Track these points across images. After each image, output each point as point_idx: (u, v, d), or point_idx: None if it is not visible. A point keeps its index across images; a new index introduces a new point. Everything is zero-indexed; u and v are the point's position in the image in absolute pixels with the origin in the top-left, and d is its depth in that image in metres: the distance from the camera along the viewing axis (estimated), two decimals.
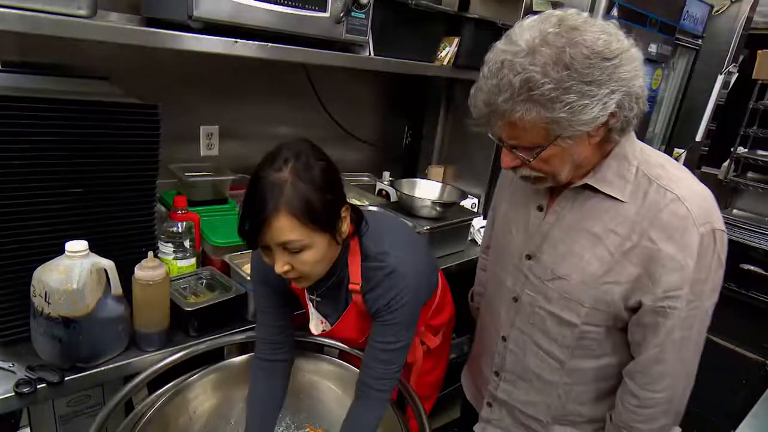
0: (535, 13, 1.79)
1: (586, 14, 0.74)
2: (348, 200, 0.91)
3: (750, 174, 3.79)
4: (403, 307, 0.94)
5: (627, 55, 0.72)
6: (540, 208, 0.92)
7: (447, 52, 1.67)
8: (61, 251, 0.95)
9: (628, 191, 0.82)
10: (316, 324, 1.09)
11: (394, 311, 0.94)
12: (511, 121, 0.74)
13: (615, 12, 1.73)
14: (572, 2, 1.73)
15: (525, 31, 0.72)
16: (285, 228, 0.80)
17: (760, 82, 3.43)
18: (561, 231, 0.88)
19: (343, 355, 1.18)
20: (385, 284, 0.93)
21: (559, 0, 1.74)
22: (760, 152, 3.65)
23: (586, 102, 0.69)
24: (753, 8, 2.68)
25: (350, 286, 0.97)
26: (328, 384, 1.17)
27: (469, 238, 1.87)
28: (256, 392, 1.07)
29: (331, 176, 0.84)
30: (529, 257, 0.93)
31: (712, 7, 2.61)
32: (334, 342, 1.14)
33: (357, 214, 0.95)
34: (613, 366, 0.91)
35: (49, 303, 0.91)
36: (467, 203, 2.04)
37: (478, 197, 2.14)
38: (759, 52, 3.37)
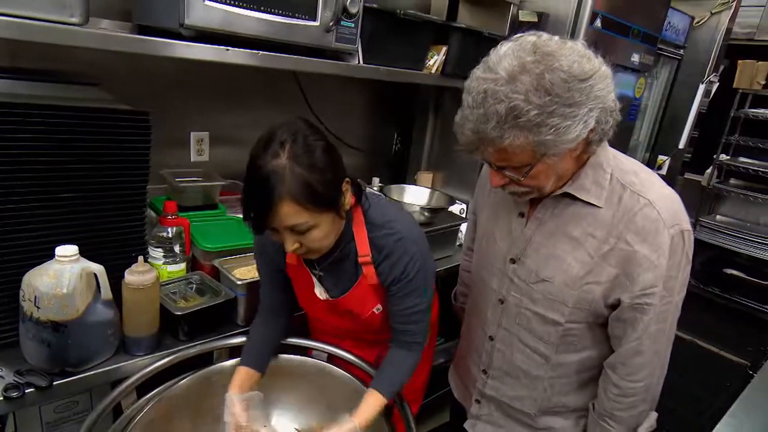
0: (522, 24, 1.85)
1: (556, 38, 0.78)
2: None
3: (732, 180, 3.89)
4: (419, 272, 0.98)
5: (599, 74, 0.76)
6: (521, 215, 0.97)
7: (435, 60, 1.70)
8: (51, 256, 0.95)
9: (604, 197, 0.87)
10: (320, 291, 1.08)
11: (412, 278, 0.98)
12: (500, 147, 0.77)
13: (599, 23, 1.77)
14: (558, 13, 1.78)
15: (503, 59, 0.75)
16: (290, 213, 0.82)
17: (740, 91, 3.53)
18: (542, 236, 0.93)
19: (332, 358, 1.19)
20: (398, 251, 0.97)
21: (543, 11, 1.79)
22: (742, 159, 3.75)
23: (569, 123, 0.74)
24: (732, 19, 2.76)
25: (360, 259, 0.99)
26: (310, 384, 1.17)
27: (458, 243, 1.90)
28: (255, 333, 1.11)
29: (329, 155, 0.85)
30: (513, 261, 0.97)
31: (693, 18, 2.68)
32: (323, 345, 1.16)
33: (357, 186, 0.97)
34: (593, 358, 0.96)
35: (38, 307, 0.92)
36: (455, 209, 2.07)
37: (466, 203, 2.17)
38: (739, 62, 3.47)
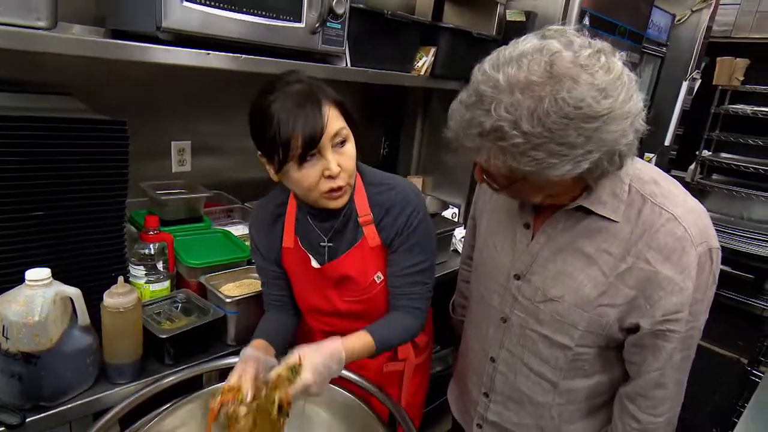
0: (509, 23, 1.81)
1: (586, 54, 0.63)
2: None
3: (715, 176, 3.94)
4: (421, 223, 0.98)
5: (615, 114, 0.63)
6: (527, 226, 0.88)
7: (424, 62, 1.65)
8: (20, 281, 0.87)
9: (622, 211, 0.78)
10: (316, 263, 1.04)
11: (414, 229, 0.97)
12: (476, 155, 0.69)
13: (587, 20, 1.75)
14: (546, 12, 1.75)
15: (512, 61, 0.65)
16: (335, 117, 0.86)
17: (720, 87, 3.58)
18: (551, 251, 0.85)
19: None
20: (399, 202, 0.97)
21: (532, 10, 1.76)
22: (724, 155, 3.80)
23: (556, 161, 0.64)
24: (712, 18, 2.78)
25: (360, 219, 0.98)
26: (317, 409, 1.11)
27: (452, 249, 1.85)
28: (265, 321, 1.08)
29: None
30: (518, 277, 0.89)
31: (674, 16, 2.70)
32: None
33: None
34: (604, 383, 0.89)
35: (6, 338, 0.84)
36: (447, 213, 2.03)
37: (458, 206, 2.13)
38: (718, 59, 3.52)
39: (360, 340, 0.93)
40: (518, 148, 0.64)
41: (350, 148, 0.90)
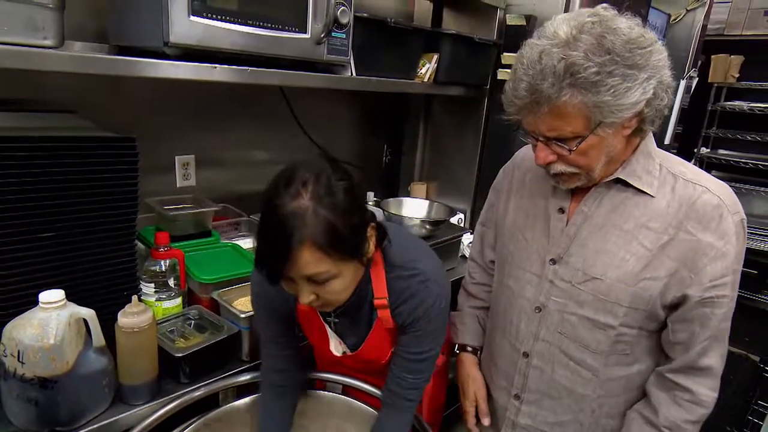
0: (510, 27, 1.82)
1: (614, 11, 0.75)
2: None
3: (714, 172, 3.95)
4: (441, 314, 0.91)
5: (657, 46, 0.74)
6: (561, 211, 0.90)
7: (427, 68, 1.65)
8: (34, 303, 0.86)
9: (656, 186, 0.82)
10: (336, 345, 1.00)
11: (431, 320, 0.89)
12: (555, 107, 0.73)
13: None
14: (546, 15, 1.76)
15: (560, 24, 0.73)
16: (311, 261, 0.72)
17: (716, 85, 3.61)
18: (589, 230, 0.86)
19: (346, 389, 1.12)
20: (421, 293, 0.88)
21: (532, 14, 1.76)
22: (722, 151, 3.81)
23: (629, 85, 0.71)
24: (707, 16, 2.80)
25: (376, 302, 0.90)
26: (339, 422, 1.09)
27: (460, 255, 1.84)
28: (267, 410, 1.02)
29: (354, 196, 0.77)
30: (554, 262, 0.89)
31: (669, 15, 2.72)
32: (337, 377, 1.08)
33: (380, 230, 0.87)
34: (641, 373, 0.90)
35: (22, 363, 0.82)
36: (453, 219, 2.02)
37: (464, 212, 2.13)
38: (713, 56, 3.54)
39: None
40: (594, 78, 0.70)
41: (336, 284, 0.77)
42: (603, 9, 0.75)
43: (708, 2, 2.71)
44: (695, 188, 0.81)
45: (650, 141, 0.85)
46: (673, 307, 0.82)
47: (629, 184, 0.83)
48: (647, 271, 0.81)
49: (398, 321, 0.91)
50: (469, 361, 1.12)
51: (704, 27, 2.82)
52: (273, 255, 0.73)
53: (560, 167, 0.81)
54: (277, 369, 1.00)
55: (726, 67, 3.50)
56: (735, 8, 3.55)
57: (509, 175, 1.06)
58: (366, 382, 1.06)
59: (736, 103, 3.57)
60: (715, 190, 0.80)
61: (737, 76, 3.54)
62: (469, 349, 1.13)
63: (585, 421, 0.92)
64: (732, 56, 3.48)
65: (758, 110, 3.42)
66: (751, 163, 3.50)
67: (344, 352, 1.00)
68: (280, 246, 0.71)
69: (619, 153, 0.81)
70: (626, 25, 0.72)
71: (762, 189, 3.53)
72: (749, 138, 3.50)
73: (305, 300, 0.78)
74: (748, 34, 3.51)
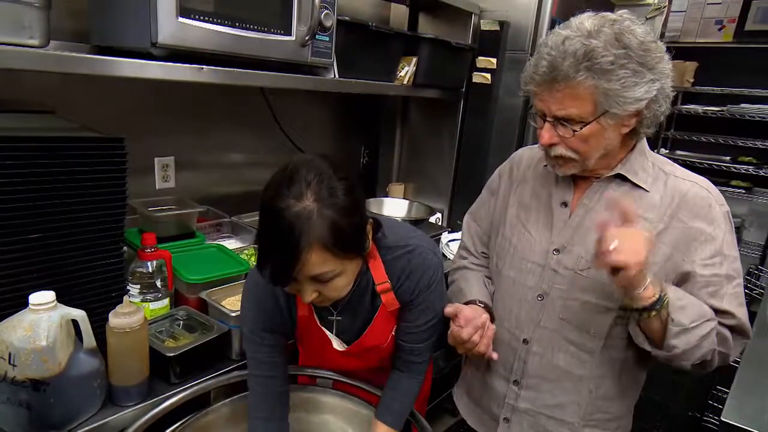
0: (485, 32, 1.88)
1: (634, 17, 0.84)
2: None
3: None
4: (440, 281, 0.97)
5: (665, 56, 0.83)
6: (565, 204, 0.96)
7: (406, 71, 1.70)
8: (21, 305, 0.85)
9: (650, 182, 0.91)
10: (338, 344, 1.02)
11: (434, 289, 0.95)
12: (569, 87, 0.80)
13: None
14: (518, 21, 1.83)
15: (586, 19, 0.82)
16: (317, 262, 0.74)
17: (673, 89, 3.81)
18: (592, 221, 0.92)
19: (335, 385, 1.14)
20: (421, 266, 0.94)
21: (506, 20, 1.84)
22: (679, 152, 4.02)
23: (636, 80, 0.79)
24: (664, 24, 2.98)
25: (378, 288, 0.94)
26: (340, 424, 1.11)
27: (442, 254, 1.89)
28: (258, 399, 0.99)
29: (355, 196, 0.78)
30: (557, 251, 0.95)
31: None
32: (328, 373, 1.10)
33: (376, 225, 0.90)
34: (637, 356, 0.95)
35: (13, 365, 0.81)
36: (432, 219, 2.07)
37: (441, 212, 2.18)
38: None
39: None
40: (608, 66, 0.78)
41: (339, 281, 0.80)
42: (626, 14, 0.84)
43: (666, 11, 2.88)
44: (685, 183, 0.90)
45: (644, 142, 0.93)
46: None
47: (627, 179, 0.91)
48: None
49: (402, 300, 0.95)
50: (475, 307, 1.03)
51: (662, 34, 3.00)
52: (280, 258, 0.74)
53: (560, 150, 0.88)
54: (263, 374, 0.99)
55: (682, 73, 3.70)
56: (689, 18, 3.77)
57: (506, 173, 1.11)
58: (369, 383, 1.08)
59: (692, 106, 3.79)
60: (703, 184, 0.90)
61: (692, 80, 3.76)
62: (478, 303, 1.03)
63: (582, 401, 0.97)
64: (687, 62, 3.69)
65: (711, 113, 3.64)
66: (706, 164, 3.71)
67: (347, 348, 1.02)
68: (288, 249, 0.72)
69: (614, 149, 0.89)
70: (643, 30, 0.81)
71: (718, 188, 3.76)
72: (704, 140, 3.72)
73: (308, 299, 0.79)
74: (701, 41, 3.73)
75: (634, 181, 0.90)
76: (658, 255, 0.87)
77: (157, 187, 1.61)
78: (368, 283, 0.94)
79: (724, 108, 3.56)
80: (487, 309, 1.02)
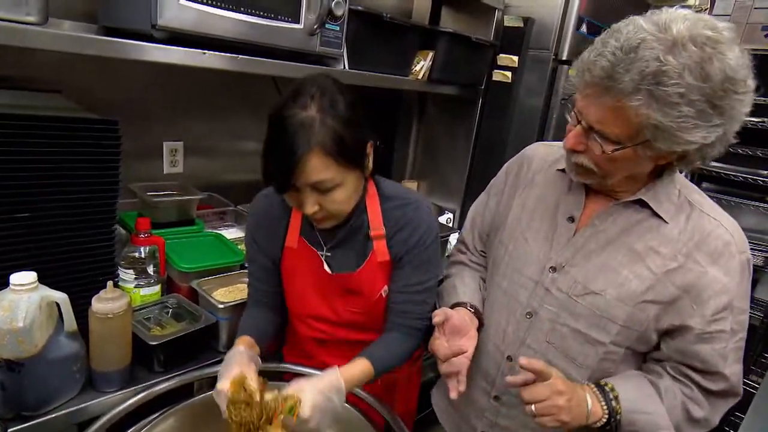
0: (508, 28, 1.81)
1: (734, 35, 0.67)
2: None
3: (705, 184, 3.96)
4: (434, 241, 0.96)
5: (750, 96, 0.68)
6: (571, 219, 0.88)
7: (422, 66, 1.64)
8: (4, 284, 0.84)
9: (672, 212, 0.82)
10: (328, 267, 1.00)
11: (427, 247, 0.95)
12: (618, 104, 0.68)
13: (584, 28, 1.76)
14: (543, 18, 1.75)
15: (676, 19, 0.66)
16: (318, 167, 0.78)
17: None
18: (598, 244, 0.85)
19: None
20: (414, 219, 0.95)
21: (530, 16, 1.76)
22: (714, 163, 3.83)
23: (698, 122, 0.66)
24: None
25: (372, 233, 0.94)
26: None
27: (447, 255, 1.84)
28: (253, 318, 1.03)
29: (357, 110, 0.83)
30: (554, 269, 0.88)
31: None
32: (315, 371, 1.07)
33: (377, 152, 0.92)
34: None
35: None
36: (442, 219, 2.02)
37: (453, 212, 2.12)
38: None
39: (358, 368, 0.90)
40: (674, 98, 0.64)
41: (339, 193, 0.83)
42: (727, 30, 0.67)
43: (708, 10, 2.72)
44: (710, 221, 0.80)
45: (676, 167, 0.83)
46: (668, 333, 0.82)
47: (647, 205, 0.82)
48: (650, 293, 0.80)
49: (394, 251, 0.95)
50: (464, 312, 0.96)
51: None
52: (283, 162, 0.78)
53: (583, 159, 0.78)
54: (261, 300, 1.05)
55: None
56: (733, 22, 3.58)
57: (514, 171, 1.02)
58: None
59: None
60: (728, 226, 0.81)
61: None
62: (469, 307, 0.98)
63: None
64: None
65: (750, 124, 3.45)
66: (741, 177, 3.52)
67: (340, 273, 0.99)
68: (291, 153, 0.76)
69: (641, 175, 0.80)
70: (737, 61, 0.65)
71: (751, 203, 3.56)
72: (741, 152, 3.53)
73: (309, 210, 0.82)
74: (745, 48, 3.53)
75: (656, 210, 0.81)
76: (663, 295, 0.80)
77: (165, 172, 1.60)
78: (362, 224, 0.95)
79: (765, 119, 3.37)
80: (477, 315, 0.96)
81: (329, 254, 0.98)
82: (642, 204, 0.82)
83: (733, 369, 0.81)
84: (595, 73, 0.70)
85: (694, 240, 0.80)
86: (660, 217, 0.81)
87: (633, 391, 0.82)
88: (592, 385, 0.83)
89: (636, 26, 0.68)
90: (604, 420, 0.80)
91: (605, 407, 0.80)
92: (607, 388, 0.82)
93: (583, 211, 0.88)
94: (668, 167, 0.80)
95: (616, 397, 0.81)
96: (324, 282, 1.00)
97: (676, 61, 0.64)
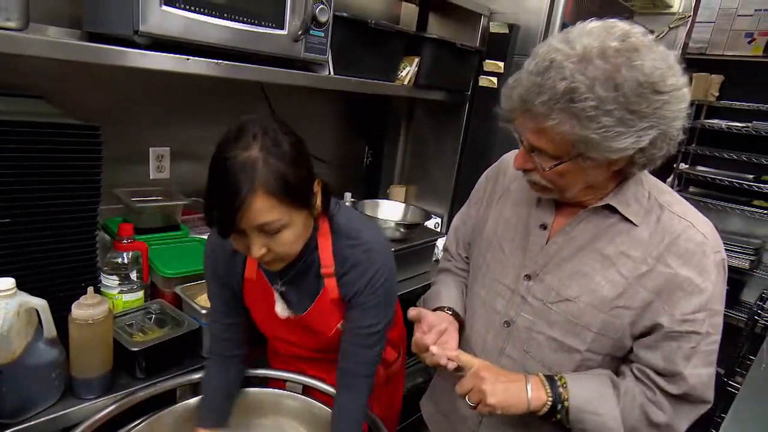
0: (493, 35, 1.83)
1: (651, 37, 0.69)
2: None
3: (692, 188, 4.01)
4: (383, 285, 0.92)
5: (678, 93, 0.68)
6: (543, 227, 0.88)
7: (407, 71, 1.66)
8: None
9: (642, 215, 0.81)
10: (282, 308, 0.99)
11: (375, 290, 0.91)
12: (540, 127, 0.70)
13: None
14: (529, 24, 1.78)
15: (585, 35, 0.68)
16: (263, 209, 0.75)
17: (696, 102, 3.68)
18: (570, 251, 0.84)
19: (306, 390, 1.10)
20: (363, 263, 0.90)
21: (515, 23, 1.78)
22: (700, 168, 3.88)
23: (622, 130, 0.67)
24: (688, 34, 2.87)
25: (322, 270, 0.92)
26: (294, 424, 1.08)
27: (434, 259, 1.85)
28: (210, 381, 1.01)
29: (301, 150, 0.81)
30: (528, 278, 0.88)
31: (652, 32, 2.77)
32: (299, 377, 1.07)
33: (326, 190, 0.89)
34: None
35: None
36: (430, 223, 2.03)
37: (441, 217, 2.13)
38: (693, 74, 3.61)
39: None
40: (590, 112, 0.66)
41: (287, 235, 0.80)
42: (641, 34, 0.68)
43: (690, 21, 2.77)
44: (680, 222, 0.79)
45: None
46: (641, 335, 0.81)
47: (617, 210, 0.81)
48: (621, 299, 0.80)
49: (343, 292, 0.92)
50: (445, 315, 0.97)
51: (685, 45, 2.89)
52: (226, 205, 0.75)
53: (535, 177, 0.79)
54: (221, 336, 1.01)
55: (706, 86, 3.57)
56: (718, 28, 3.63)
57: (492, 179, 1.03)
58: (325, 382, 1.05)
59: (715, 121, 3.64)
60: (700, 226, 0.79)
61: (717, 95, 3.62)
62: (447, 310, 0.99)
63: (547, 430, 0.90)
64: (712, 75, 3.56)
65: (735, 129, 3.50)
66: (728, 181, 3.57)
67: (289, 315, 0.99)
68: (233, 195, 0.73)
69: (601, 183, 0.79)
70: (652, 64, 0.65)
71: (737, 207, 3.60)
72: (726, 156, 3.57)
73: (257, 253, 0.79)
74: (729, 54, 3.58)
75: (624, 214, 0.80)
76: (635, 300, 0.79)
77: (151, 177, 1.60)
78: (314, 262, 0.93)
79: (749, 124, 3.42)
80: (457, 318, 0.96)
81: (283, 289, 0.97)
82: (612, 209, 0.82)
83: (696, 372, 0.79)
84: (513, 99, 0.73)
85: (665, 242, 0.79)
86: (630, 221, 0.81)
87: (586, 391, 0.80)
88: (542, 375, 0.83)
89: (549, 47, 0.70)
90: (549, 404, 0.79)
91: (550, 393, 0.79)
92: (556, 377, 0.82)
93: (556, 218, 0.87)
94: (627, 171, 0.79)
95: (563, 384, 0.80)
96: (280, 321, 0.99)
97: (583, 76, 0.65)
